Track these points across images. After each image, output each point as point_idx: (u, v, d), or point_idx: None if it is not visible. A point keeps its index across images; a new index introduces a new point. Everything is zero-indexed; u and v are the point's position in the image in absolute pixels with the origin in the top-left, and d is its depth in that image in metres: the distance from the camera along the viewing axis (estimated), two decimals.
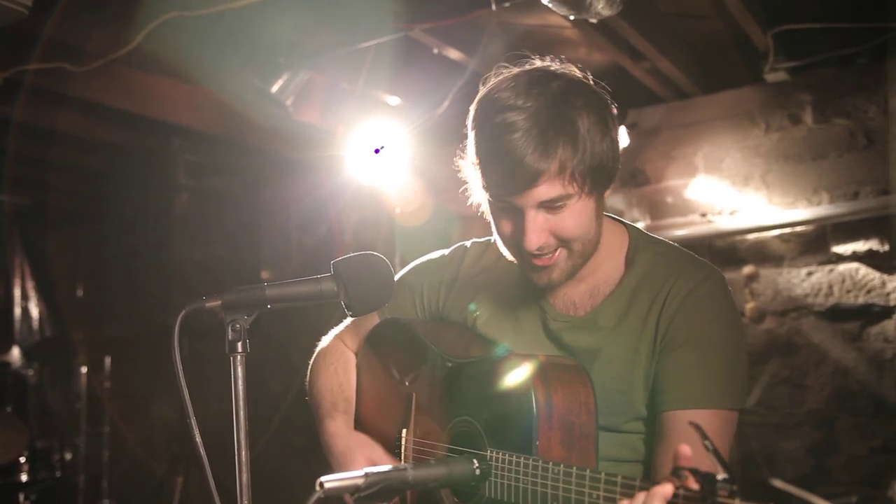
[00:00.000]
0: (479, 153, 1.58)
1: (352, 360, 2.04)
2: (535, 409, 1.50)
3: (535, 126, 1.48)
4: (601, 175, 1.56)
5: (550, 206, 1.53)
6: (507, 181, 1.51)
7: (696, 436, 1.14)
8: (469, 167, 1.64)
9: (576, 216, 1.55)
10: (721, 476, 1.09)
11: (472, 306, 1.81)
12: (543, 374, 1.54)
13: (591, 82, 1.61)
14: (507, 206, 1.56)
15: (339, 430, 1.86)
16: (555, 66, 1.61)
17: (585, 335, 1.66)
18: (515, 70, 1.61)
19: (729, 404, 1.56)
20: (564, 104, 1.51)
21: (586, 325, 1.67)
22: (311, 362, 2.06)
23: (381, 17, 3.29)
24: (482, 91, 1.61)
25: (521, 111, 1.50)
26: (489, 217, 1.67)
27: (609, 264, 1.69)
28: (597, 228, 1.62)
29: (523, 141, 1.48)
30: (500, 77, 1.60)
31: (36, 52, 3.32)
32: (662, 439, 1.55)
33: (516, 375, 1.55)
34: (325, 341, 2.08)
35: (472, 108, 1.62)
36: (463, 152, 1.66)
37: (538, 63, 1.62)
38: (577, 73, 1.61)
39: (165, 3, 3.14)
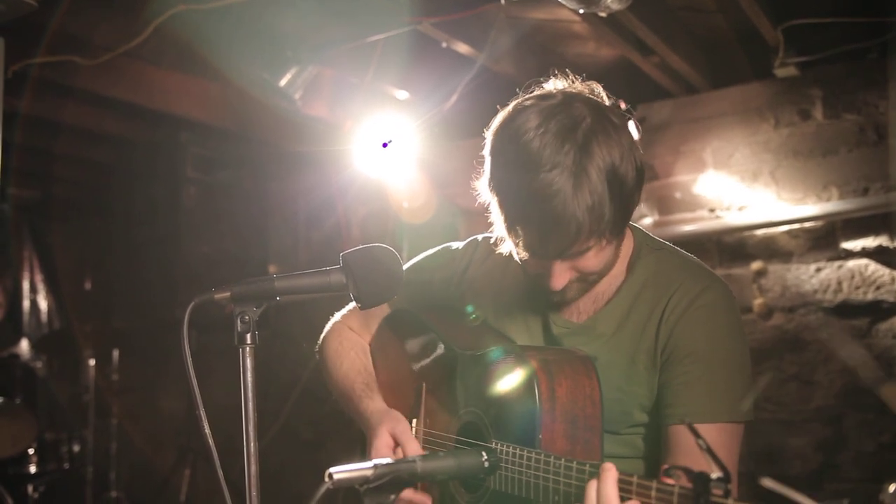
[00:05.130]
0: (508, 206, 1.53)
1: (367, 347, 2.05)
2: (538, 402, 1.50)
3: (563, 189, 1.43)
4: (626, 216, 1.55)
5: (576, 255, 1.53)
6: (538, 245, 1.51)
7: (702, 447, 1.14)
8: (491, 200, 1.58)
9: (599, 256, 1.56)
10: (715, 475, 1.09)
11: (468, 308, 1.82)
12: (547, 367, 1.54)
13: (607, 101, 1.54)
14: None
15: (380, 408, 1.83)
16: (573, 95, 1.53)
17: (585, 342, 1.66)
18: (537, 104, 1.52)
19: (734, 418, 1.56)
20: (592, 160, 1.44)
21: (585, 331, 1.68)
22: (321, 347, 2.05)
23: (389, 10, 3.29)
24: (505, 120, 1.54)
25: (550, 170, 1.43)
26: (511, 248, 1.62)
27: (613, 269, 1.68)
28: (615, 257, 1.63)
29: (557, 210, 1.43)
30: (523, 112, 1.51)
31: (44, 45, 3.33)
32: (668, 453, 1.55)
33: (521, 368, 1.56)
34: (332, 327, 2.07)
35: (494, 138, 1.56)
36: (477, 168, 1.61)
37: (556, 92, 1.54)
38: (593, 97, 1.54)
39: None
